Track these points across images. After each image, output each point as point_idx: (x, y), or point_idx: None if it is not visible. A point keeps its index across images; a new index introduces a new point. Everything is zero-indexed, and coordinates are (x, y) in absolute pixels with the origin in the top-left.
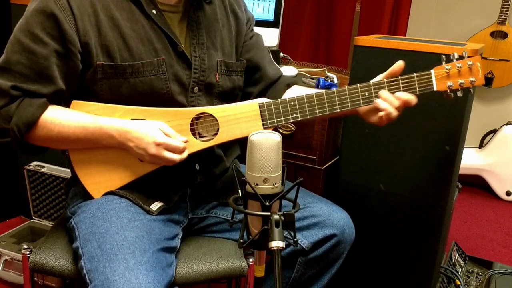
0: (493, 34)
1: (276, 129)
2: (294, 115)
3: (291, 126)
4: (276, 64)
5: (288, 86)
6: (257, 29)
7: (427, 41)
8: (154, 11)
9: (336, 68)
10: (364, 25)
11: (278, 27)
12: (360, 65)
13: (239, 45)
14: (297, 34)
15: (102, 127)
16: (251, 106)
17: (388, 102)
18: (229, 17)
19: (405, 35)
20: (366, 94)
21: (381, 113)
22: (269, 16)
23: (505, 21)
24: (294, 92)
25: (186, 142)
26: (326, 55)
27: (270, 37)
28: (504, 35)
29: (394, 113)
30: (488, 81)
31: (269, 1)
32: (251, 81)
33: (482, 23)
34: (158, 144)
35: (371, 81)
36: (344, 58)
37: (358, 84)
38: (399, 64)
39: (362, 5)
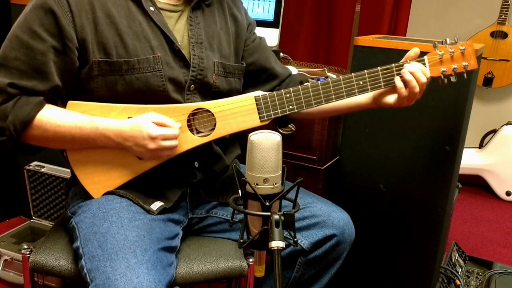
0: (493, 34)
1: (276, 129)
2: (290, 107)
3: (291, 126)
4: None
5: (301, 83)
6: (257, 30)
7: (427, 41)
8: (152, 8)
9: (336, 68)
10: (364, 25)
11: (278, 27)
12: (360, 65)
13: (239, 47)
14: (297, 34)
15: (98, 127)
16: (247, 100)
17: (415, 76)
18: (228, 20)
19: (405, 35)
20: (361, 82)
21: (403, 91)
22: (269, 16)
23: (505, 21)
24: None
25: (180, 128)
26: (326, 55)
27: (270, 37)
28: (504, 35)
29: (417, 87)
30: (488, 81)
31: (269, 1)
32: (259, 82)
33: (482, 23)
34: (154, 138)
35: (365, 70)
36: (344, 58)
37: (353, 73)
38: (415, 51)
39: (362, 5)
